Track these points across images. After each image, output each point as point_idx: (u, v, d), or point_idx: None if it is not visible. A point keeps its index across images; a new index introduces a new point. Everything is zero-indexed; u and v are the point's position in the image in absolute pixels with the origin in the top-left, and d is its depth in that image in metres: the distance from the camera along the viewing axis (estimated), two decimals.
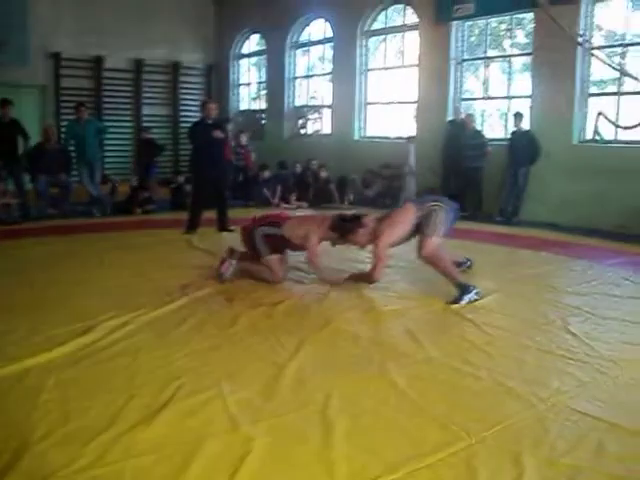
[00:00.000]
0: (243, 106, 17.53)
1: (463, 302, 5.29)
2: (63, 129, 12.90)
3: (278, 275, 5.94)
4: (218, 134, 8.75)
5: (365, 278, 5.82)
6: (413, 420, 3.15)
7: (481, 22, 11.75)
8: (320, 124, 15.34)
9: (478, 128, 11.32)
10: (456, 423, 3.08)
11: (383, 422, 3.14)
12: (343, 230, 5.72)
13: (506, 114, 11.57)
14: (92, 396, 3.36)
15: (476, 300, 5.34)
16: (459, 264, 6.29)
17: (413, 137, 12.07)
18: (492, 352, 4.16)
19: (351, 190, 12.74)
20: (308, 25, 15.15)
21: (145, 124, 15.63)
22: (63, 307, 5.09)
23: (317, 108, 15.45)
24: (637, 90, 9.54)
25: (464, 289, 5.38)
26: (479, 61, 12.04)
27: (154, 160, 13.23)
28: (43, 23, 14.16)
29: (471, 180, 10.98)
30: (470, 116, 11.16)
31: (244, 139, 13.44)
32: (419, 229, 5.66)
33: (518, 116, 10.39)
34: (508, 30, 11.67)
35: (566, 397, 3.44)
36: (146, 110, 16.20)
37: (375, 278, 5.70)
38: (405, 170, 11.83)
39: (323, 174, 12.79)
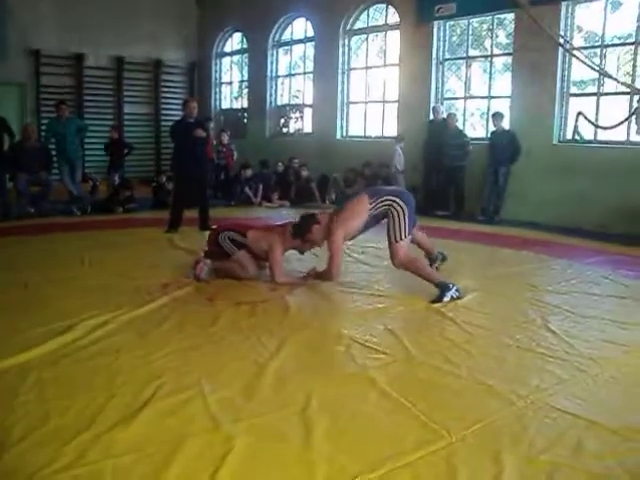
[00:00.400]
0: (225, 105, 17.51)
1: (446, 299, 5.26)
2: (43, 127, 12.82)
3: (248, 269, 5.93)
4: (200, 133, 8.73)
5: (323, 276, 5.75)
6: (393, 419, 3.16)
7: (462, 22, 11.79)
8: (302, 123, 15.34)
9: (460, 127, 11.36)
10: (436, 421, 3.09)
11: (363, 421, 3.14)
12: (300, 232, 5.70)
13: (487, 114, 11.61)
14: (72, 395, 3.33)
15: (458, 297, 5.32)
16: (432, 260, 6.27)
17: (401, 136, 12.04)
18: (472, 350, 4.18)
19: (333, 189, 12.74)
20: (290, 24, 15.16)
21: (126, 122, 15.59)
22: (43, 306, 5.05)
23: (299, 107, 15.44)
24: (616, 91, 9.63)
25: (444, 287, 5.33)
26: (460, 61, 12.08)
27: (122, 160, 13.11)
28: (23, 20, 14.07)
29: (454, 179, 11.02)
30: (452, 115, 11.20)
31: (226, 138, 13.42)
32: (377, 222, 5.67)
33: (498, 116, 10.43)
34: (489, 30, 11.72)
35: (545, 395, 3.46)
36: (127, 108, 16.15)
37: (332, 275, 5.63)
38: (391, 170, 11.81)
39: (304, 173, 12.79)
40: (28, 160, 10.50)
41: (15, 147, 10.68)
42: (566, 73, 10.14)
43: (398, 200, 5.48)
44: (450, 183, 11.13)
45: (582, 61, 8.50)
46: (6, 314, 4.82)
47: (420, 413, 3.19)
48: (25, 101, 14.86)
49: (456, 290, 5.35)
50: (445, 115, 11.39)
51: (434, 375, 3.75)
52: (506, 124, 10.51)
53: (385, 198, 5.51)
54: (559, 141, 10.26)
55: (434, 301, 5.26)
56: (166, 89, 16.84)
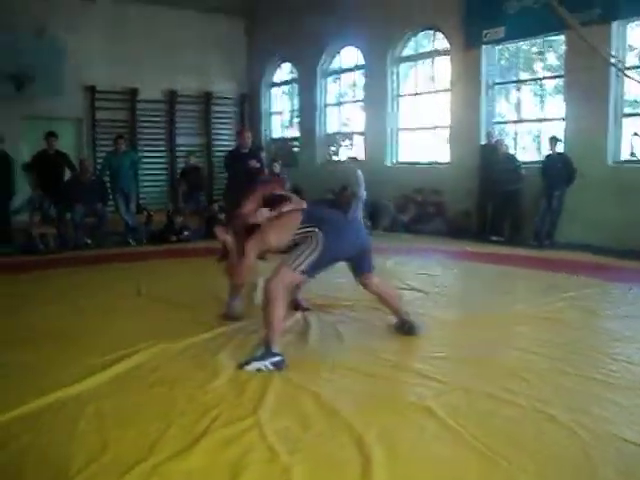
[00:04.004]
0: (275, 134, 17.69)
1: (250, 368, 4.23)
2: (99, 160, 13.15)
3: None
4: (254, 164, 8.80)
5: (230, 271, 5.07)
6: (452, 449, 3.10)
7: (512, 45, 11.74)
8: (352, 151, 15.38)
9: (511, 152, 11.25)
10: (496, 452, 3.02)
11: (421, 451, 3.10)
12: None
13: (539, 137, 11.50)
14: (130, 425, 3.36)
15: (269, 371, 4.20)
16: (401, 322, 5.13)
17: (355, 159, 11.92)
18: (530, 378, 4.09)
19: (385, 216, 12.70)
20: (339, 53, 15.29)
21: (178, 154, 15.85)
22: (100, 335, 5.13)
23: (349, 135, 15.49)
24: None
25: (267, 353, 4.30)
26: (510, 84, 12.01)
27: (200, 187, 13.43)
28: (78, 57, 14.45)
29: (508, 204, 10.89)
30: (501, 140, 11.12)
31: (278, 167, 13.49)
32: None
33: (553, 140, 10.30)
34: (539, 53, 11.63)
35: (608, 424, 3.37)
36: (180, 140, 16.41)
37: (236, 280, 5.09)
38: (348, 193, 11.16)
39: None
40: (84, 192, 10.78)
41: (71, 180, 10.99)
42: (619, 93, 10.00)
43: (320, 233, 4.49)
44: (504, 208, 10.99)
45: (636, 80, 8.38)
46: (64, 343, 4.91)
47: (479, 443, 3.12)
48: (81, 135, 15.27)
49: (272, 363, 4.24)
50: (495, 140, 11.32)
51: (492, 404, 3.68)
52: (559, 147, 10.37)
53: (309, 228, 4.56)
54: (614, 162, 10.09)
55: (241, 364, 4.30)
56: (217, 120, 17.10)
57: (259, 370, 4.20)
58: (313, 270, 4.50)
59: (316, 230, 4.51)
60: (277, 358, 4.27)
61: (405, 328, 5.07)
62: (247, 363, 4.28)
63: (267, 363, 4.24)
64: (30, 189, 10.98)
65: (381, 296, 5.13)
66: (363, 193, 10.42)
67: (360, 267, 4.90)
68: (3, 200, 10.47)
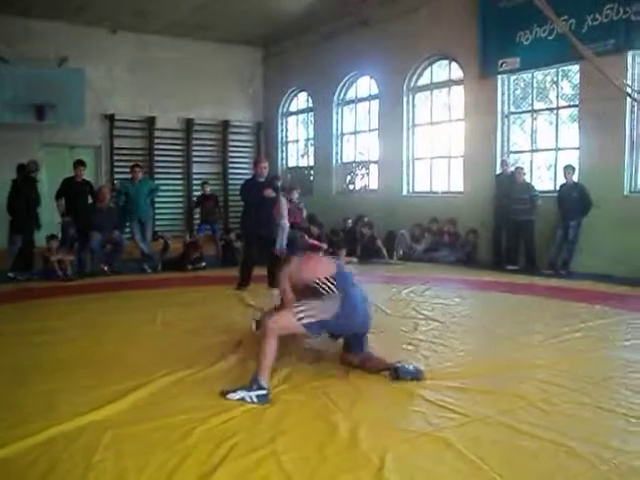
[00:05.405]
0: (291, 163, 17.78)
1: (234, 397, 4.22)
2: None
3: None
4: (269, 193, 8.86)
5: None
6: None
7: (526, 75, 11.79)
8: (368, 179, 15.43)
9: (528, 181, 11.25)
10: None
11: None
12: None
13: (554, 166, 11.50)
14: (148, 454, 3.36)
15: (252, 402, 4.17)
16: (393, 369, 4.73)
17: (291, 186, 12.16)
18: (549, 409, 4.06)
19: (400, 245, 12.72)
20: (354, 82, 15.41)
21: (195, 182, 15.99)
22: (116, 364, 5.15)
23: (365, 164, 15.56)
24: None
25: (253, 385, 4.26)
26: (525, 114, 12.05)
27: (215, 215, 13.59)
28: (98, 86, 14.72)
29: (522, 233, 10.87)
30: (519, 169, 11.12)
31: (295, 195, 13.53)
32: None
33: (569, 168, 10.30)
34: (554, 82, 11.67)
35: (630, 457, 3.32)
36: (196, 168, 16.57)
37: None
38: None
39: (366, 231, 12.74)
40: (102, 220, 10.86)
41: (89, 208, 11.09)
42: (635, 123, 10.00)
43: (339, 299, 4.63)
44: (519, 237, 10.98)
45: None
46: (80, 372, 4.92)
47: (497, 475, 3.09)
48: (100, 162, 15.45)
49: (257, 397, 4.20)
50: (513, 169, 11.32)
51: (510, 435, 3.64)
52: (575, 176, 10.37)
53: (334, 287, 4.70)
54: (630, 192, 10.06)
55: (226, 392, 4.30)
56: (234, 148, 17.26)
57: (242, 400, 4.18)
58: (316, 329, 4.62)
59: (337, 294, 4.65)
60: (262, 392, 4.23)
61: (395, 373, 4.67)
62: (233, 391, 4.27)
63: (252, 395, 4.22)
64: (59, 216, 11.16)
65: (366, 365, 4.91)
66: (285, 223, 10.00)
67: (356, 346, 4.98)
68: (31, 227, 10.58)
